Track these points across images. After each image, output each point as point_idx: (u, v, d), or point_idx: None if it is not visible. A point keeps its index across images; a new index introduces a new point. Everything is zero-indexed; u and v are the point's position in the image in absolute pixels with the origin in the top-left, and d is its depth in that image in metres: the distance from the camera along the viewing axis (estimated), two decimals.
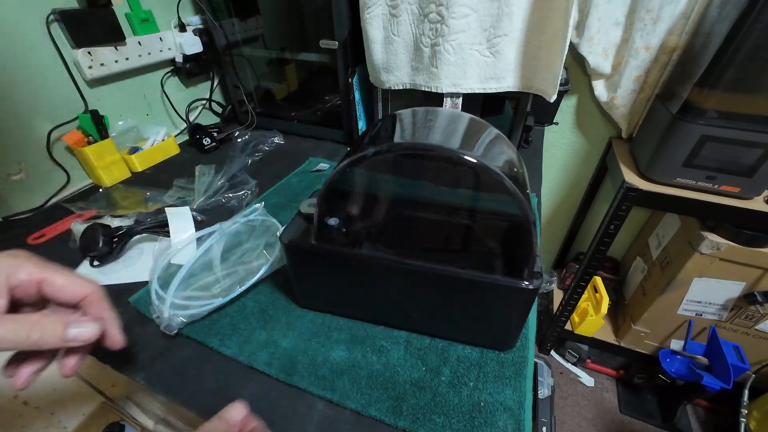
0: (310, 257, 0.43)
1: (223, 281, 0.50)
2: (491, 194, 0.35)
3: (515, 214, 0.34)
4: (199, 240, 0.59)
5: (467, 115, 0.44)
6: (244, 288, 0.49)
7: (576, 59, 0.90)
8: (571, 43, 0.72)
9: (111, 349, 0.32)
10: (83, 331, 0.29)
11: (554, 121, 1.03)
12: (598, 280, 1.17)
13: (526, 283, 0.36)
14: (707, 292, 0.98)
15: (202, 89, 1.03)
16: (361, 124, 0.91)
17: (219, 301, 0.47)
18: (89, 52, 0.72)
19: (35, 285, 0.29)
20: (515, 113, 0.82)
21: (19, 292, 0.28)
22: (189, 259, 0.53)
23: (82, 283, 0.31)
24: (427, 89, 0.75)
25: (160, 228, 0.61)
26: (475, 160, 0.33)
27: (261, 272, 0.50)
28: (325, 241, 0.41)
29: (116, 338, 0.32)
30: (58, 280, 0.30)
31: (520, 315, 0.40)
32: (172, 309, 0.45)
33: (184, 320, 0.45)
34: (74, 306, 0.31)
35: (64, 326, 0.27)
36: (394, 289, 0.42)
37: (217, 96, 1.06)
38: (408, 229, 0.43)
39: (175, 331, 0.45)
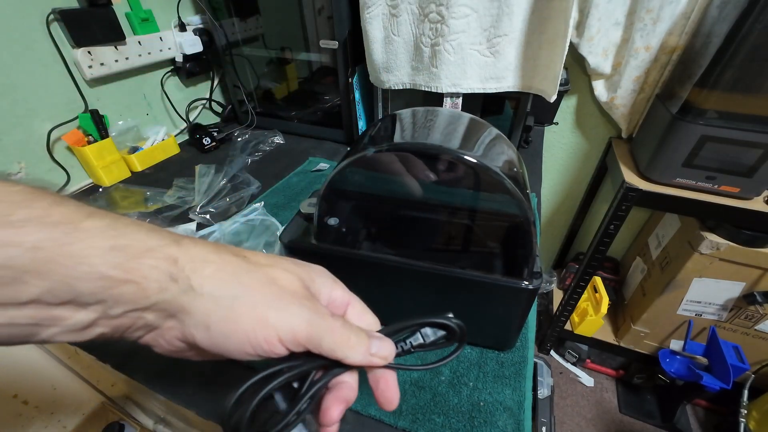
0: (310, 257, 0.43)
1: None
2: (491, 194, 0.35)
3: (515, 214, 0.34)
4: None
5: (467, 115, 0.44)
6: None
7: (576, 59, 0.90)
8: (571, 43, 0.72)
9: (384, 406, 0.26)
10: (384, 346, 0.24)
11: (554, 121, 1.03)
12: (597, 280, 1.17)
13: (526, 283, 0.36)
14: (707, 292, 0.98)
15: (202, 89, 1.03)
16: (361, 124, 0.91)
17: None
18: (89, 52, 0.72)
19: (343, 307, 0.26)
20: (515, 113, 0.82)
21: (330, 308, 0.25)
22: None
23: (371, 314, 0.27)
24: (427, 89, 0.75)
25: None
26: (475, 160, 0.33)
27: None
28: (325, 241, 0.41)
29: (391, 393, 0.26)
30: (358, 307, 0.27)
31: (519, 315, 0.40)
32: None
33: None
34: None
35: (368, 336, 0.24)
36: (394, 289, 0.42)
37: (217, 96, 1.06)
38: (408, 229, 0.43)
39: None
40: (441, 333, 0.26)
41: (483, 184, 0.35)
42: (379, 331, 0.26)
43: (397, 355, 0.25)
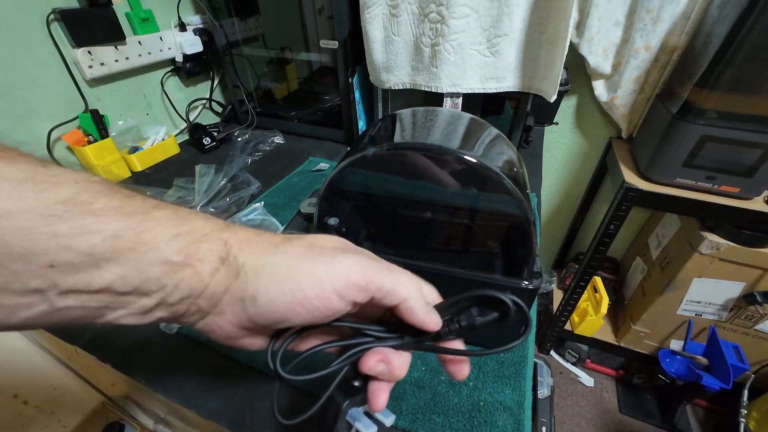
0: None
1: None
2: (491, 194, 0.35)
3: (515, 214, 0.34)
4: None
5: (467, 115, 0.44)
6: None
7: (576, 59, 0.90)
8: (571, 43, 0.72)
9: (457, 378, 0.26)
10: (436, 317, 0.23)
11: (554, 121, 1.03)
12: (597, 280, 1.17)
13: (526, 282, 0.36)
14: (707, 292, 0.98)
15: (202, 89, 1.03)
16: (361, 124, 0.91)
17: None
18: (89, 52, 0.72)
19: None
20: (515, 113, 0.82)
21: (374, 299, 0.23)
22: None
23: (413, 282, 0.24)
24: (427, 89, 0.75)
25: None
26: (475, 160, 0.33)
27: None
28: None
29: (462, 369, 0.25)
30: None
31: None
32: None
33: None
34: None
35: (421, 285, 0.24)
36: None
37: (217, 96, 1.06)
38: (408, 229, 0.43)
39: (175, 330, 0.45)
40: (493, 314, 0.23)
41: (483, 183, 0.35)
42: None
43: (446, 334, 0.23)
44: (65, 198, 0.16)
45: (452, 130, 0.39)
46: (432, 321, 0.23)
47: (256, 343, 0.24)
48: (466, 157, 0.33)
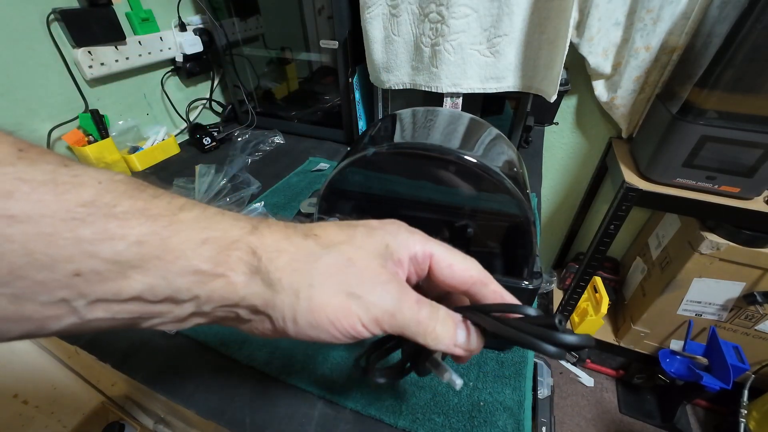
0: None
1: None
2: (491, 194, 0.35)
3: (515, 214, 0.34)
4: None
5: (467, 115, 0.44)
6: None
7: (576, 59, 0.90)
8: (571, 43, 0.72)
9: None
10: (471, 340, 0.23)
11: (554, 121, 1.03)
12: (597, 280, 1.17)
13: (526, 282, 0.36)
14: (707, 292, 0.98)
15: (203, 89, 1.03)
16: (362, 124, 0.91)
17: None
18: (89, 52, 0.72)
19: (426, 260, 0.23)
20: (515, 113, 0.82)
21: (412, 266, 0.23)
22: None
23: (470, 264, 0.24)
24: (427, 89, 0.75)
25: None
26: (475, 160, 0.33)
27: None
28: None
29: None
30: (442, 254, 0.23)
31: None
32: None
33: None
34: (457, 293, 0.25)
35: (455, 325, 0.23)
36: None
37: (218, 96, 1.06)
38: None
39: (175, 330, 0.45)
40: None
41: (483, 184, 0.35)
42: (474, 307, 0.23)
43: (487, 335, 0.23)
44: (87, 200, 0.16)
45: (452, 130, 0.39)
46: (460, 349, 0.23)
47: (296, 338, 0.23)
48: (466, 157, 0.33)
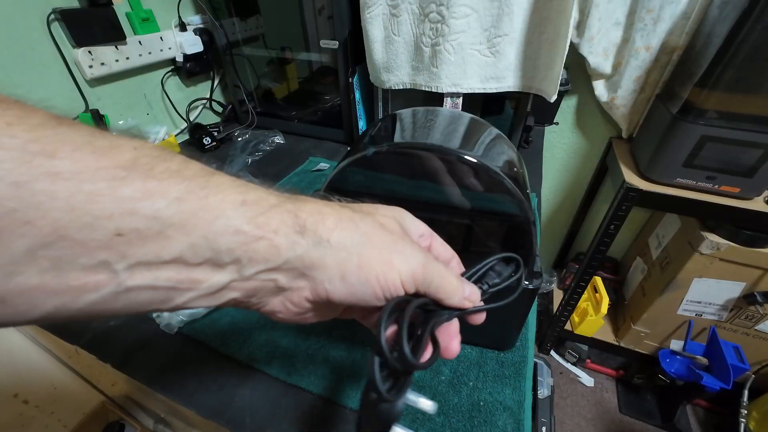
0: None
1: None
2: (491, 194, 0.35)
3: (515, 214, 0.34)
4: None
5: (468, 115, 0.44)
6: None
7: (576, 59, 0.90)
8: (571, 43, 0.71)
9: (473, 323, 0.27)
10: (473, 291, 0.25)
11: (554, 121, 1.03)
12: (598, 280, 1.17)
13: (526, 282, 0.36)
14: (707, 292, 0.98)
15: (203, 89, 1.03)
16: (362, 124, 0.91)
17: None
18: (90, 52, 0.72)
19: (429, 239, 0.27)
20: (515, 113, 0.82)
21: (421, 243, 0.26)
22: None
23: (449, 247, 0.28)
24: (427, 89, 0.75)
25: None
26: (475, 160, 0.33)
27: None
28: None
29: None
30: (438, 240, 0.27)
31: (519, 315, 0.40)
32: None
33: (184, 319, 0.45)
34: None
35: (461, 279, 0.25)
36: None
37: (218, 95, 1.07)
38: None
39: (175, 330, 0.45)
40: (509, 268, 0.27)
41: (483, 183, 0.35)
42: (463, 275, 0.26)
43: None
44: (125, 162, 0.16)
45: (453, 130, 0.39)
46: (467, 301, 0.25)
47: (317, 317, 0.24)
48: (466, 156, 0.33)
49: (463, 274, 0.26)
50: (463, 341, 0.44)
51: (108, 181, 0.15)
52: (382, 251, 0.22)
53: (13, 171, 0.13)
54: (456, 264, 0.28)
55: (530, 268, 0.36)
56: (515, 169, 0.37)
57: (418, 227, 0.26)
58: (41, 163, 0.14)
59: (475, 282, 0.26)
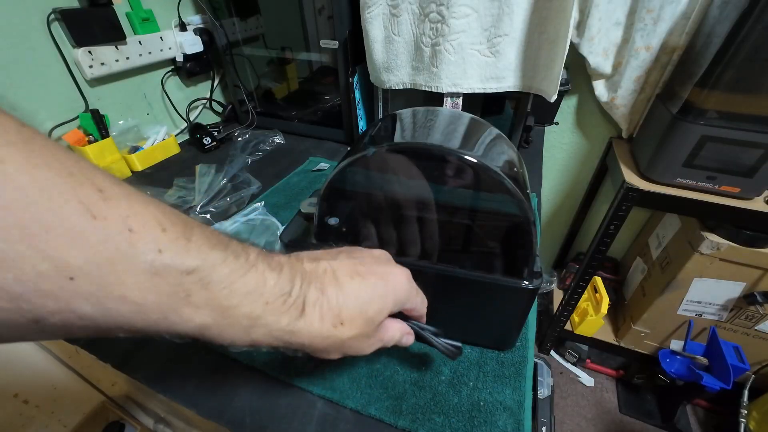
0: None
1: None
2: (491, 194, 0.35)
3: (515, 213, 0.34)
4: None
5: (468, 115, 0.44)
6: None
7: (576, 59, 0.90)
8: (571, 43, 0.71)
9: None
10: (410, 339, 0.33)
11: (555, 121, 1.03)
12: (598, 280, 1.17)
13: (526, 282, 0.36)
14: (707, 292, 0.98)
15: (203, 89, 1.03)
16: (362, 124, 0.91)
17: None
18: (90, 52, 0.72)
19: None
20: (515, 113, 0.82)
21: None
22: None
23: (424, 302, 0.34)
24: (427, 89, 0.75)
25: None
26: (475, 160, 0.33)
27: None
28: (326, 241, 0.41)
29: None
30: (420, 307, 0.33)
31: (519, 315, 0.40)
32: None
33: None
34: None
35: (401, 335, 0.32)
36: None
37: (218, 95, 1.07)
38: (408, 229, 0.42)
39: None
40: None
41: (483, 183, 0.35)
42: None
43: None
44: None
45: (452, 130, 0.39)
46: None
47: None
48: (466, 156, 0.33)
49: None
50: (464, 342, 0.44)
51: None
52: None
53: None
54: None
55: (530, 267, 0.36)
56: (515, 169, 0.37)
57: (411, 301, 0.32)
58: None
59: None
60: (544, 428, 0.79)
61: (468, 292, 0.39)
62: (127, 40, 0.77)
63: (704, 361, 0.97)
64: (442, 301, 0.41)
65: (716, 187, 0.77)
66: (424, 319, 0.35)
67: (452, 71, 0.71)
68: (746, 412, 0.96)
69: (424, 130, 0.40)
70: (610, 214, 0.90)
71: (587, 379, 1.29)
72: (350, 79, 0.83)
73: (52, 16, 0.66)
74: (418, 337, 0.34)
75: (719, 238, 0.88)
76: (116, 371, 0.42)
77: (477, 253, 0.41)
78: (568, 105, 1.04)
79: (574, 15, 0.68)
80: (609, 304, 1.13)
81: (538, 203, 0.74)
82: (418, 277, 0.39)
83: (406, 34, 0.71)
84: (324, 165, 0.84)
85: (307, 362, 0.42)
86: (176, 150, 0.91)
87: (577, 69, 0.95)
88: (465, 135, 0.38)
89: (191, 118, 0.99)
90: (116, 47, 0.76)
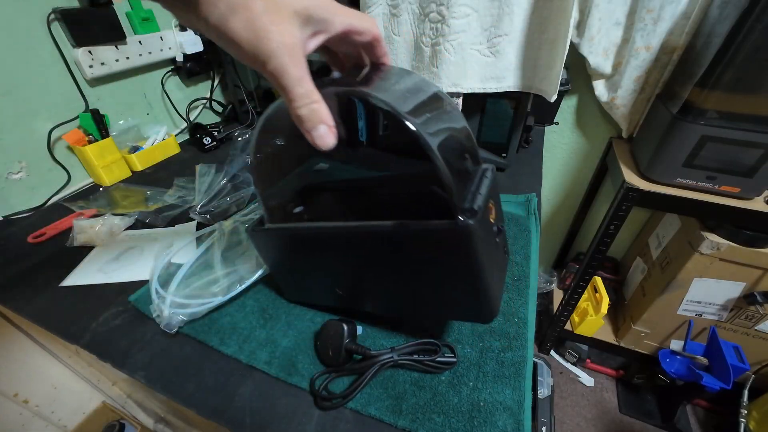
0: (267, 242, 0.44)
1: (223, 280, 0.50)
2: (393, 132, 0.32)
3: (410, 141, 0.30)
4: (199, 239, 0.59)
5: (420, 77, 0.39)
6: (244, 287, 0.49)
7: (576, 59, 0.90)
8: (571, 42, 0.71)
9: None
10: (326, 139, 0.29)
11: (555, 121, 1.03)
12: (598, 280, 1.17)
13: (461, 218, 0.31)
14: (707, 292, 0.98)
15: (203, 88, 1.03)
16: (361, 124, 0.91)
17: (219, 300, 0.47)
18: (90, 51, 0.72)
19: (343, 35, 0.30)
20: (516, 113, 0.81)
21: (330, 42, 0.29)
22: (189, 259, 0.54)
23: (373, 23, 0.31)
24: None
25: None
26: (376, 95, 0.30)
27: (260, 271, 0.50)
28: (275, 221, 0.41)
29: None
30: (360, 26, 0.30)
31: (473, 267, 0.34)
32: (172, 308, 0.45)
33: (185, 318, 0.45)
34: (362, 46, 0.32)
35: (321, 122, 0.28)
36: (339, 260, 0.41)
37: (218, 95, 1.07)
38: (337, 191, 0.40)
39: (175, 330, 0.45)
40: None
41: (379, 116, 0.32)
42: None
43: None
44: None
45: (393, 83, 0.35)
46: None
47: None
48: (360, 89, 0.31)
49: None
50: (442, 318, 0.42)
51: None
52: None
53: None
54: (379, 41, 0.32)
55: (455, 202, 0.31)
56: (419, 102, 0.33)
57: (333, 27, 0.30)
58: None
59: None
60: (544, 428, 0.79)
61: (405, 249, 0.36)
62: (127, 39, 0.77)
63: (704, 361, 0.97)
64: (390, 268, 0.39)
65: (716, 187, 0.77)
66: (381, 42, 0.33)
67: (452, 71, 0.71)
68: (746, 412, 0.96)
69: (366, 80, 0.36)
70: (610, 214, 0.90)
71: (587, 379, 1.29)
72: None
73: (52, 16, 0.66)
74: (412, 368, 0.36)
75: (719, 238, 0.88)
76: (116, 371, 0.43)
77: (402, 206, 0.36)
78: (568, 105, 1.04)
79: (574, 15, 0.68)
80: (609, 304, 1.13)
81: (538, 203, 0.74)
82: (350, 250, 0.39)
83: (406, 34, 0.71)
84: (323, 165, 0.84)
85: (308, 362, 0.42)
86: (176, 150, 0.91)
87: (577, 69, 0.95)
88: (399, 86, 0.35)
89: (191, 118, 0.99)
90: (116, 47, 0.76)
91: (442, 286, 0.38)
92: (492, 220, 0.37)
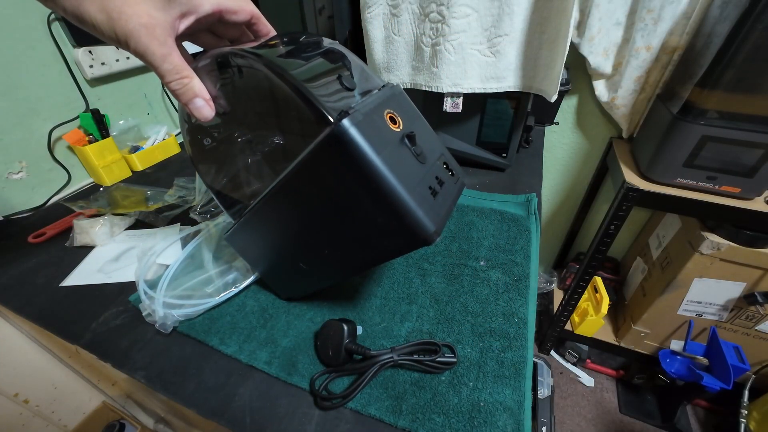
0: (240, 243, 0.47)
1: (217, 280, 0.50)
2: (260, 78, 0.34)
3: (269, 77, 0.31)
4: (185, 239, 0.59)
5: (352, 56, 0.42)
6: (240, 289, 0.49)
7: (577, 59, 0.90)
8: (571, 43, 0.71)
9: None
10: (203, 111, 0.31)
11: (555, 121, 1.03)
12: (598, 280, 1.17)
13: (332, 122, 0.30)
14: (707, 292, 0.98)
15: None
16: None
17: (214, 301, 0.47)
18: (90, 51, 0.72)
19: (216, 15, 0.31)
20: (516, 113, 0.81)
21: (201, 22, 0.30)
22: (175, 259, 0.53)
23: (248, 3, 0.33)
24: (427, 89, 0.75)
25: None
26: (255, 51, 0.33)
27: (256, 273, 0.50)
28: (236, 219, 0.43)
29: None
30: (232, 5, 0.31)
31: (368, 175, 0.32)
32: (166, 308, 0.45)
33: (179, 319, 0.45)
34: (244, 24, 0.35)
35: (195, 96, 0.30)
36: (285, 232, 0.42)
37: None
38: (251, 163, 0.42)
39: (170, 330, 0.45)
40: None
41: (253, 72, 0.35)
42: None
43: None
44: None
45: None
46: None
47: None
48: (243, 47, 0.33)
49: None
50: (389, 254, 0.38)
51: None
52: None
53: None
54: (259, 18, 0.36)
55: (315, 107, 0.31)
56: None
57: (201, 8, 0.30)
58: None
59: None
60: (544, 428, 0.79)
61: (318, 194, 0.35)
62: None
63: (704, 361, 0.97)
64: (321, 229, 0.39)
65: (716, 187, 0.77)
66: (261, 19, 0.36)
67: (452, 71, 0.71)
68: (746, 412, 0.96)
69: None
70: (610, 214, 0.90)
71: (587, 379, 1.29)
72: None
73: (53, 15, 0.66)
74: (412, 368, 0.37)
75: (719, 238, 0.88)
76: (116, 371, 0.42)
77: (291, 146, 0.36)
78: (569, 105, 1.04)
79: (575, 15, 0.68)
80: (609, 304, 1.13)
81: (539, 203, 0.74)
82: (282, 215, 0.40)
83: (406, 34, 0.71)
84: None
85: (308, 362, 0.42)
86: (176, 150, 0.91)
87: (578, 69, 0.95)
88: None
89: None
90: (116, 47, 0.76)
91: (365, 215, 0.34)
92: (396, 129, 0.36)
